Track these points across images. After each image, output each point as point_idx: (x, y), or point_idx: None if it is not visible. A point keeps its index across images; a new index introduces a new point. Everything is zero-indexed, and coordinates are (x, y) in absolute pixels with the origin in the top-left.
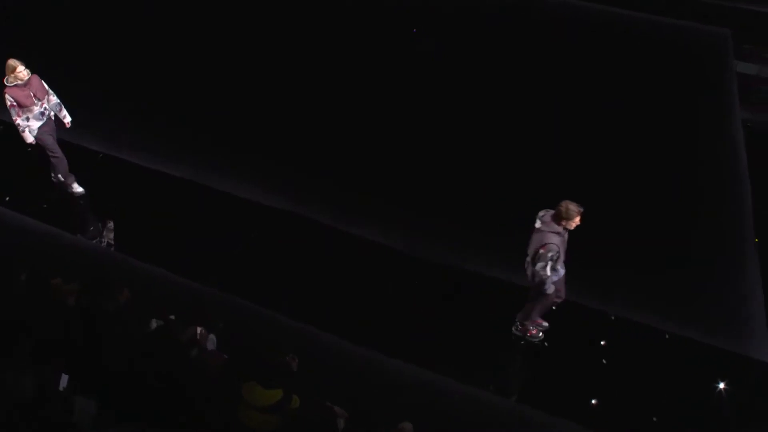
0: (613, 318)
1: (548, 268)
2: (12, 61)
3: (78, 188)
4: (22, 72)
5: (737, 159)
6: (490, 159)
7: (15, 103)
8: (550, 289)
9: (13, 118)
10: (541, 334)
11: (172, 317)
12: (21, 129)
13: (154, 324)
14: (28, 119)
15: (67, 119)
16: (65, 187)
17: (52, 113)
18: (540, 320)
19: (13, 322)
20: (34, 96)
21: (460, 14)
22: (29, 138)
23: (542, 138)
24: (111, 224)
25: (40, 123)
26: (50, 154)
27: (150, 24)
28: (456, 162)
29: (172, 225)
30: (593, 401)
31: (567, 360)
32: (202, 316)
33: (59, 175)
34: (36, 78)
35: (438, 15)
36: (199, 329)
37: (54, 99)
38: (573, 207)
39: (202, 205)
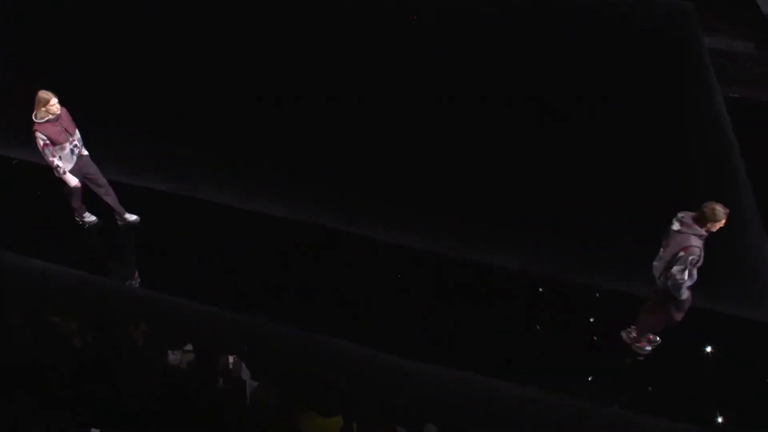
0: None
1: (686, 273)
2: (44, 93)
3: (132, 216)
4: (56, 105)
5: (723, 129)
6: (475, 152)
7: (48, 142)
8: (685, 294)
9: (49, 160)
10: (649, 348)
11: (189, 348)
12: (61, 171)
13: (175, 358)
14: (60, 159)
15: (84, 152)
16: (121, 220)
17: (79, 150)
18: (654, 335)
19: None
20: (66, 131)
21: (437, 10)
22: (73, 181)
23: (526, 127)
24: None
25: (71, 165)
26: (103, 191)
27: (136, 26)
28: (444, 158)
29: (168, 244)
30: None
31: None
32: (224, 343)
33: (116, 209)
34: (64, 110)
35: (424, 13)
36: (230, 358)
37: (77, 135)
38: (720, 209)
39: (196, 219)
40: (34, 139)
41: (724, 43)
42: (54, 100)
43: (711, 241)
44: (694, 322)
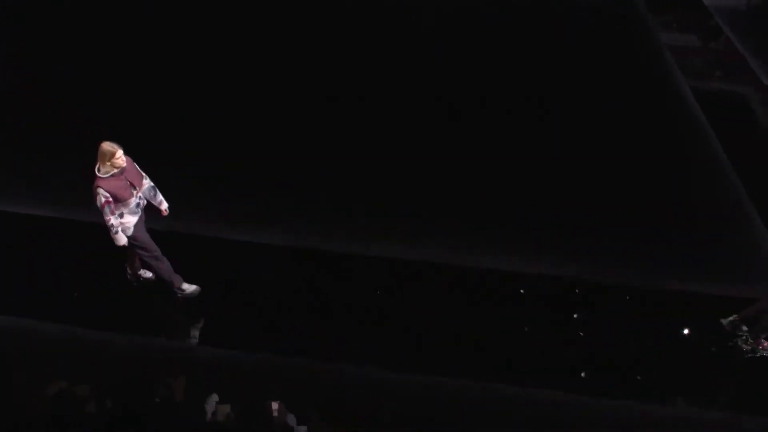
0: None
1: None
2: (108, 146)
3: (192, 287)
4: (122, 157)
5: (694, 116)
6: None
7: (111, 199)
8: None
9: (106, 219)
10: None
11: (216, 399)
12: (114, 230)
13: (214, 411)
14: (122, 215)
15: (164, 206)
16: (177, 290)
17: (144, 201)
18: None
19: None
20: (131, 184)
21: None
22: (122, 240)
23: (500, 131)
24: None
25: (136, 218)
26: (146, 254)
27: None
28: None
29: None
30: None
31: None
32: (260, 389)
33: (166, 277)
34: (129, 160)
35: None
36: (274, 405)
37: (147, 182)
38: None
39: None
40: (94, 195)
41: (669, 37)
42: (120, 153)
43: None
44: None
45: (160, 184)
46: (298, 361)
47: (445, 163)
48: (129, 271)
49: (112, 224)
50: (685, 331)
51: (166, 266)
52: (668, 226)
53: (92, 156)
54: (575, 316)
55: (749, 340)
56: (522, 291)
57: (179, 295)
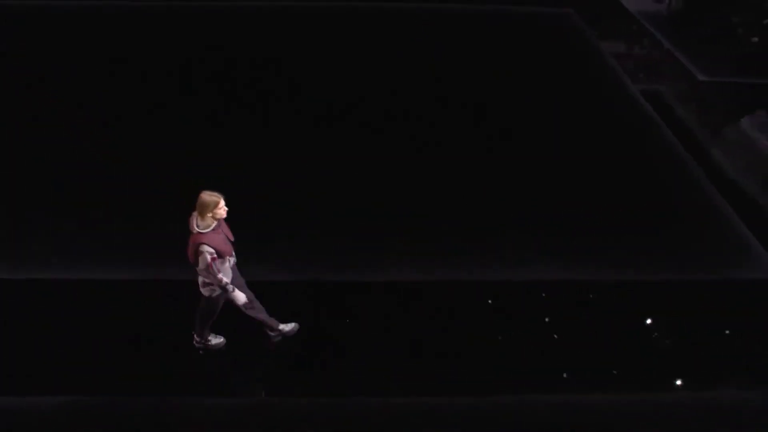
0: None
1: None
2: (209, 196)
3: (290, 326)
4: (224, 207)
5: (643, 112)
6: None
7: (216, 255)
8: None
9: (219, 278)
10: None
11: None
12: (231, 289)
13: None
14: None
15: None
16: (274, 333)
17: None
18: None
19: None
20: (228, 239)
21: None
22: (242, 298)
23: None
24: None
25: (230, 277)
26: (247, 307)
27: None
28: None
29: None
30: None
31: None
32: None
33: (266, 323)
34: None
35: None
36: None
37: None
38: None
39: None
40: (197, 254)
41: (605, 45)
42: (222, 202)
43: None
44: None
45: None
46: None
47: (402, 172)
48: (197, 338)
49: (227, 283)
50: (648, 321)
51: (264, 313)
52: (642, 220)
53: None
54: (546, 319)
55: None
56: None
57: (275, 337)
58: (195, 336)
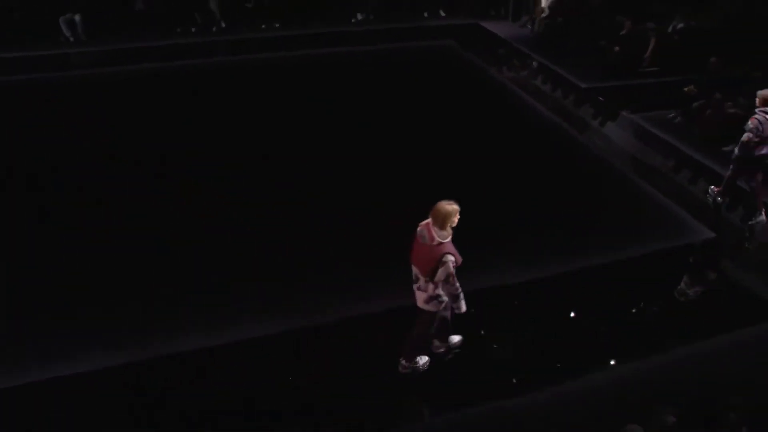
0: None
1: None
2: (449, 204)
3: (456, 338)
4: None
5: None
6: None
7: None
8: None
9: (457, 286)
10: None
11: None
12: (462, 296)
13: None
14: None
15: None
16: (442, 347)
17: None
18: None
19: None
20: None
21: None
22: (464, 306)
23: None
24: None
25: None
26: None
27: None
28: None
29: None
30: None
31: None
32: None
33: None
34: None
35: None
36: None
37: None
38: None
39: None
40: (440, 264)
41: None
42: (458, 209)
43: None
44: None
45: None
46: None
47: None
48: (406, 363)
49: (461, 291)
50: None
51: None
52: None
53: None
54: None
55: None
56: None
57: (440, 350)
58: (402, 362)
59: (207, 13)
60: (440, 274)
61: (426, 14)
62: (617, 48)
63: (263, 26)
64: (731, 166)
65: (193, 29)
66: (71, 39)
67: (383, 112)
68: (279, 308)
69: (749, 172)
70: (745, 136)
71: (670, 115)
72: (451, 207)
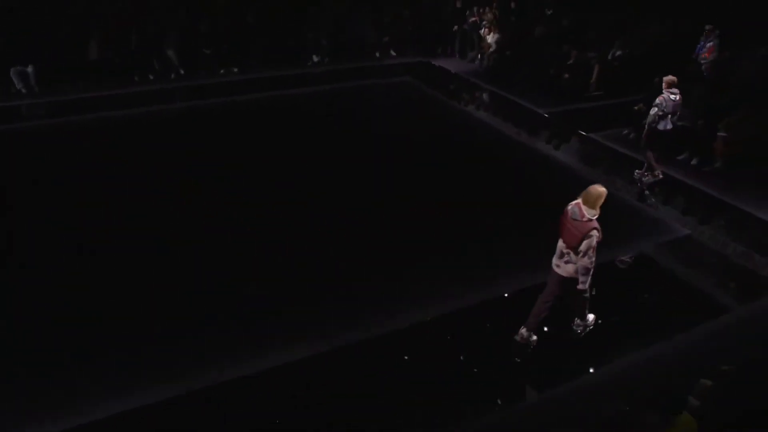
0: None
1: None
2: (601, 187)
3: (591, 316)
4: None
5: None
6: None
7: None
8: None
9: (591, 261)
10: None
11: None
12: (591, 273)
13: None
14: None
15: None
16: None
17: None
18: None
19: None
20: None
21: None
22: (588, 283)
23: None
24: None
25: None
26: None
27: None
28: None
29: None
30: None
31: None
32: None
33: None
34: None
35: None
36: None
37: None
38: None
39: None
40: (585, 238)
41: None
42: (606, 192)
43: None
44: None
45: None
46: None
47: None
48: (580, 321)
49: (592, 268)
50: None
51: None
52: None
53: None
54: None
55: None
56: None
57: (578, 329)
58: (577, 321)
59: (165, 60)
60: (584, 245)
61: (378, 54)
62: (567, 75)
63: (222, 71)
64: (644, 140)
65: (151, 77)
66: (23, 91)
67: (360, 136)
68: (281, 308)
69: (652, 141)
70: (653, 110)
71: (624, 132)
72: (602, 189)
